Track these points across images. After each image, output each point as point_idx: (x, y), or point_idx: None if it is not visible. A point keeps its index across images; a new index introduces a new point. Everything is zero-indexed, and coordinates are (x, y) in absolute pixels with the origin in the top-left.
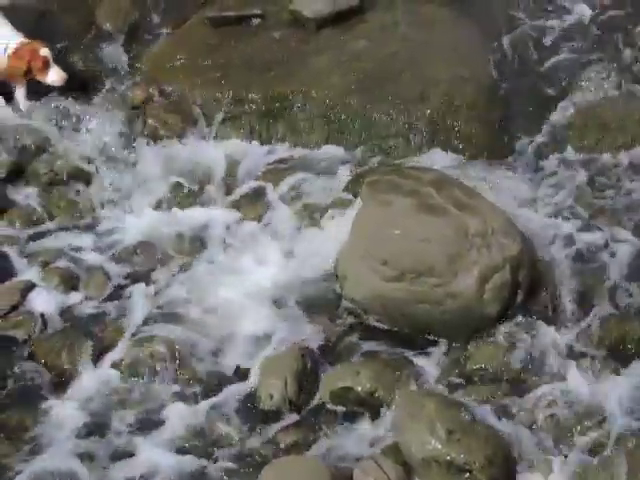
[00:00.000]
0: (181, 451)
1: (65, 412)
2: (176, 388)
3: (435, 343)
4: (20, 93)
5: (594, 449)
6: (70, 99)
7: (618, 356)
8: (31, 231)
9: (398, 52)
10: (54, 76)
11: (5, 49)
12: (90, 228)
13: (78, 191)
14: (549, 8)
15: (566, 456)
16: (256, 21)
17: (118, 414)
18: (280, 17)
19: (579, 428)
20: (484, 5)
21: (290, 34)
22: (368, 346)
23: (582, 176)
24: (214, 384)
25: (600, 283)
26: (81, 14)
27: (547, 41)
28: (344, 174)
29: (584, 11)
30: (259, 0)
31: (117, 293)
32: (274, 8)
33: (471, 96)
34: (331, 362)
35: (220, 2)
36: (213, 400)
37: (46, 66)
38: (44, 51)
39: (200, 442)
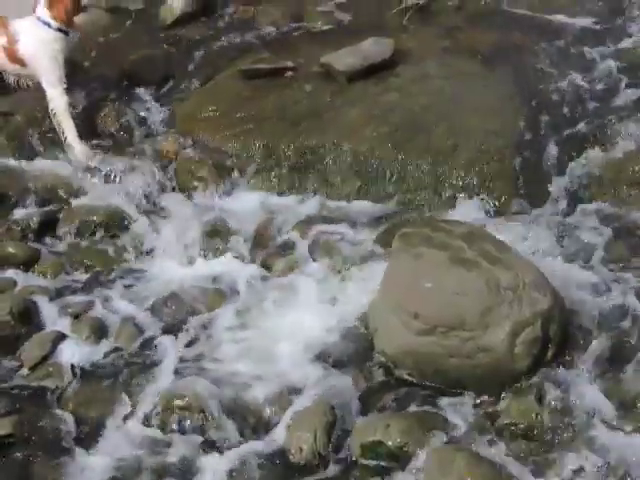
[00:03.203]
0: None
1: (94, 464)
2: (205, 440)
3: (466, 397)
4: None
5: None
6: (102, 150)
7: None
8: (62, 282)
9: (429, 105)
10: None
11: (43, 21)
12: (120, 279)
13: (109, 242)
14: (578, 62)
15: None
16: (288, 74)
17: (147, 467)
18: (312, 70)
19: None
20: (515, 59)
21: (322, 87)
22: (398, 399)
23: (612, 229)
24: (243, 436)
25: (632, 338)
26: (115, 66)
27: (577, 95)
28: (375, 227)
29: (613, 65)
30: (291, 53)
31: (147, 345)
32: (306, 61)
33: (501, 149)
34: (361, 415)
35: (252, 55)
36: (242, 452)
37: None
38: None
39: None
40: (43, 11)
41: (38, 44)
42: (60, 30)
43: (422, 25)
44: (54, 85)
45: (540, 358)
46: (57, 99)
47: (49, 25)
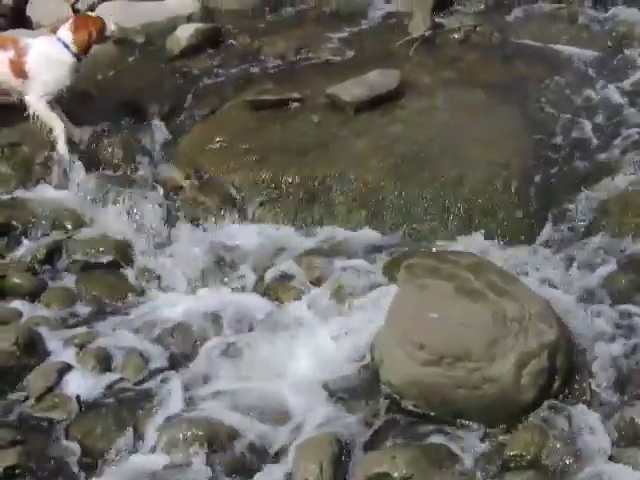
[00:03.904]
0: None
1: None
2: (212, 472)
3: (472, 428)
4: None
5: None
6: (108, 181)
7: None
8: (68, 312)
9: (435, 136)
10: (112, 26)
11: (63, 42)
12: (126, 310)
13: (114, 273)
14: (583, 93)
15: None
16: (294, 105)
17: None
18: (318, 101)
19: None
20: (519, 90)
21: (328, 118)
22: (404, 430)
23: (617, 261)
24: (250, 468)
25: (638, 370)
26: (121, 96)
27: (581, 126)
28: (381, 257)
29: (617, 97)
30: (297, 84)
31: (153, 376)
32: (312, 92)
33: (507, 181)
34: (367, 446)
35: (258, 86)
36: None
37: (102, 26)
38: (92, 14)
39: None
40: (66, 33)
41: (47, 60)
42: (76, 55)
43: (427, 57)
44: (35, 92)
45: (546, 389)
46: (35, 103)
47: (67, 47)
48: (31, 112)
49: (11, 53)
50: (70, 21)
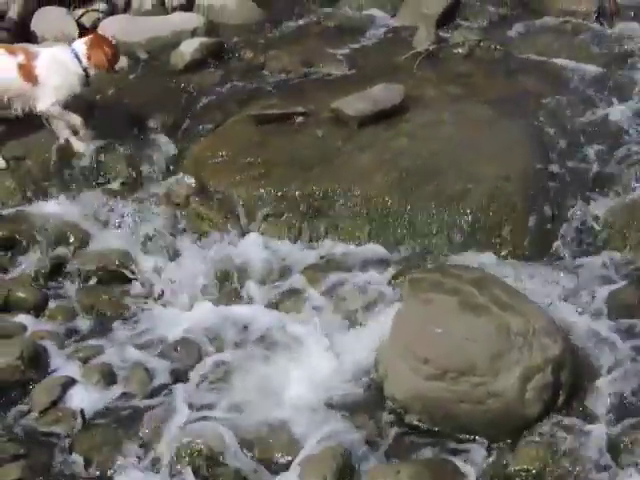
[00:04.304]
0: None
1: None
2: None
3: (476, 443)
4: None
5: None
6: (112, 194)
7: None
8: (72, 326)
9: (440, 150)
10: (124, 62)
11: (75, 53)
12: (130, 324)
13: (119, 287)
14: (588, 108)
15: None
16: (298, 119)
17: None
18: (322, 115)
19: None
20: (524, 104)
21: (332, 132)
22: (408, 445)
23: (623, 276)
24: None
25: None
26: (126, 110)
27: (587, 140)
28: (385, 272)
29: (623, 111)
30: (301, 98)
31: (158, 390)
32: (316, 106)
33: (512, 195)
34: (371, 461)
35: (263, 100)
36: None
37: (117, 52)
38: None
39: None
40: (81, 46)
41: (57, 66)
42: (85, 70)
43: (432, 71)
44: (48, 99)
45: (551, 404)
46: (50, 109)
47: (79, 60)
48: (48, 120)
49: (20, 58)
50: (89, 36)
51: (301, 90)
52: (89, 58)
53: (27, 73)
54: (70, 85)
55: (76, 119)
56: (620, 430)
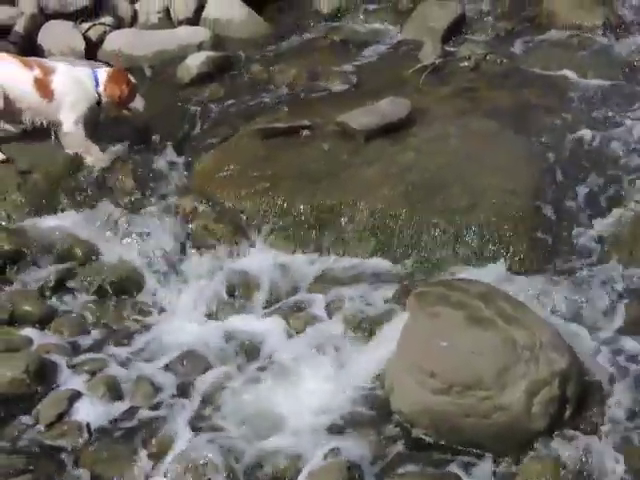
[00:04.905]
0: None
1: None
2: None
3: (482, 457)
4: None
5: None
6: (119, 208)
7: None
8: (78, 340)
9: (446, 164)
10: (140, 103)
11: (95, 76)
12: (136, 337)
13: (125, 300)
14: (594, 121)
15: None
16: (305, 133)
17: None
18: (328, 129)
19: None
20: (531, 118)
21: (338, 146)
22: (415, 459)
23: (630, 289)
24: None
25: None
26: (132, 123)
27: (593, 153)
28: (391, 285)
29: (629, 124)
30: (307, 112)
31: (163, 403)
32: (322, 120)
33: (518, 208)
34: (378, 475)
35: (269, 114)
36: None
37: (136, 92)
38: (132, 78)
39: None
40: (102, 73)
41: (75, 85)
42: (99, 96)
43: (438, 85)
44: (72, 121)
45: (557, 418)
46: (74, 134)
47: (97, 84)
48: (65, 141)
49: (36, 72)
50: (112, 68)
51: (307, 104)
52: (105, 88)
53: (43, 87)
54: (85, 103)
55: (95, 150)
56: (626, 445)
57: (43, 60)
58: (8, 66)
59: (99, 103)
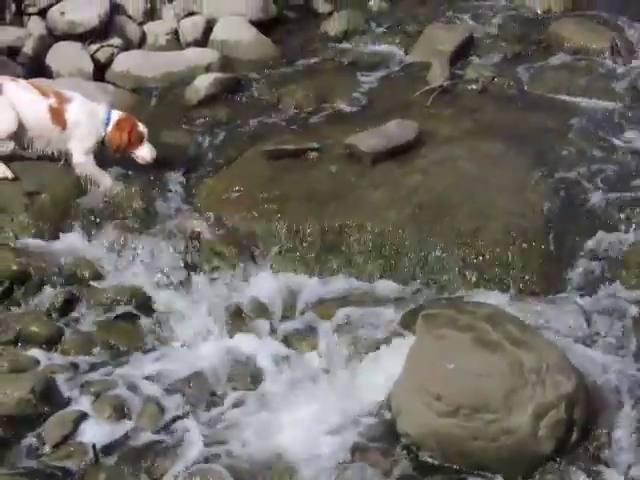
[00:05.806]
0: None
1: None
2: None
3: None
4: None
5: None
6: (126, 230)
7: None
8: (84, 360)
9: (453, 186)
10: (146, 153)
11: (108, 116)
12: (143, 358)
13: (132, 321)
14: (601, 143)
15: None
16: (312, 154)
17: None
18: (336, 151)
19: None
20: (538, 140)
21: (346, 168)
22: None
23: (636, 313)
24: None
25: None
26: None
27: (600, 176)
28: (399, 307)
29: (635, 147)
30: (315, 134)
31: (169, 425)
32: (330, 142)
33: (525, 231)
34: None
35: (277, 135)
36: None
37: (141, 141)
38: (142, 126)
39: None
40: (115, 115)
41: (89, 117)
42: (103, 135)
43: (446, 107)
44: (82, 152)
45: (564, 441)
46: (83, 164)
47: (107, 123)
48: (78, 171)
49: (52, 100)
50: (125, 114)
51: (315, 126)
52: (110, 130)
53: (57, 116)
54: (93, 138)
55: (105, 178)
56: (634, 469)
57: (62, 90)
58: (23, 92)
59: (103, 142)
